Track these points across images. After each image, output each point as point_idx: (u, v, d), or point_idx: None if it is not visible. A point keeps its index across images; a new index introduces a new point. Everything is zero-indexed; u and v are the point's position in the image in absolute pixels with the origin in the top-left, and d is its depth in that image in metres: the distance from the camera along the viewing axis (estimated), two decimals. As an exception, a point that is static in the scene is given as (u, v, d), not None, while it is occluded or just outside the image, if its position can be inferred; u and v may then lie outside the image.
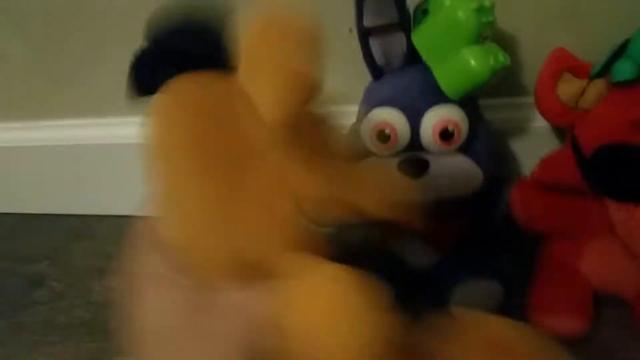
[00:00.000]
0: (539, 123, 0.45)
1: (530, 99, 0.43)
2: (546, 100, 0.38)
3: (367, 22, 0.36)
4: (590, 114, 0.36)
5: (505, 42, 0.42)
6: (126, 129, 0.50)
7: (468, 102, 0.38)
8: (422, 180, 0.37)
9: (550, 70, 0.38)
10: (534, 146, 0.43)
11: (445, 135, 0.37)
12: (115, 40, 0.50)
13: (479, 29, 0.34)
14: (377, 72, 0.40)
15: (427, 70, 0.37)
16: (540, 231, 0.43)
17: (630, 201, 0.34)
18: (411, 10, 0.38)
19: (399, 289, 0.46)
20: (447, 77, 0.36)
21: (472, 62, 0.34)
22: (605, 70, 0.35)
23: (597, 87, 0.36)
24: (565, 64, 0.37)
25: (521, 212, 0.41)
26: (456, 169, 0.38)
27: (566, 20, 0.41)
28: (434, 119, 0.37)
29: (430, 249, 0.43)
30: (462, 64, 0.35)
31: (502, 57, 0.36)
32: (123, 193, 0.47)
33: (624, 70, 0.33)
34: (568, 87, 0.37)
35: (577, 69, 0.37)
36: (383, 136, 0.38)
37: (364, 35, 0.37)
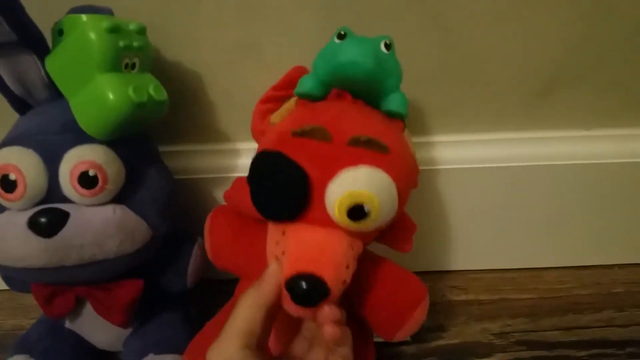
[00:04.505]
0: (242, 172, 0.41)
1: (231, 146, 0.39)
2: (256, 121, 0.33)
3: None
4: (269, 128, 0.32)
5: (193, 85, 0.38)
6: None
7: (131, 142, 0.32)
8: (59, 238, 0.29)
9: (269, 95, 0.34)
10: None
11: (86, 180, 0.30)
12: None
13: (115, 54, 0.29)
14: (17, 104, 0.32)
15: (75, 103, 0.30)
16: (227, 267, 0.36)
17: (273, 218, 0.28)
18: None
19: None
20: (81, 109, 0.29)
21: (107, 92, 0.28)
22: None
23: (290, 103, 0.32)
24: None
25: (208, 241, 0.36)
26: (106, 221, 0.30)
27: (251, 63, 0.38)
28: (72, 160, 0.30)
29: (107, 322, 0.35)
30: (95, 94, 0.29)
31: (152, 90, 0.30)
32: None
33: (304, 83, 0.30)
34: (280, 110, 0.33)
35: None
36: (7, 183, 0.29)
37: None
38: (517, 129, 0.42)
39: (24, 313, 0.45)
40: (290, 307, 0.27)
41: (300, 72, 0.34)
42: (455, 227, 0.45)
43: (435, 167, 0.41)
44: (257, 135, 0.34)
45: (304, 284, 0.26)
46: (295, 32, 0.36)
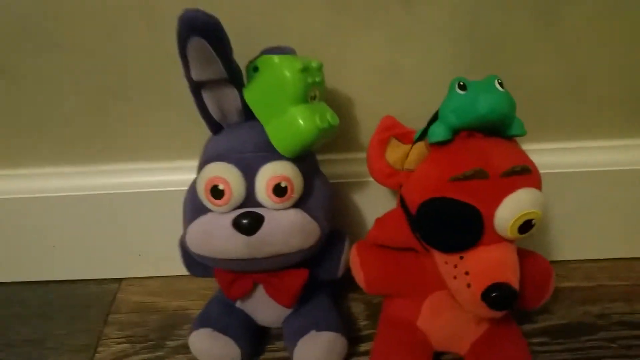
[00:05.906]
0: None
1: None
2: (376, 164, 0.40)
3: (196, 76, 0.35)
4: (413, 174, 0.38)
5: (341, 102, 0.44)
6: None
7: (304, 157, 0.39)
8: (257, 236, 0.37)
9: (379, 138, 0.40)
10: (375, 200, 0.45)
11: (279, 190, 0.37)
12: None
13: (305, 89, 0.35)
14: (214, 126, 0.39)
15: (262, 126, 0.37)
16: (381, 292, 0.43)
17: (453, 252, 0.36)
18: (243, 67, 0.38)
19: (250, 344, 0.45)
20: (276, 134, 0.36)
21: (299, 121, 0.35)
22: (425, 134, 0.37)
23: (419, 150, 0.38)
24: (392, 132, 0.39)
25: (361, 276, 0.42)
26: (292, 223, 0.37)
27: (394, 84, 0.44)
28: (267, 175, 0.37)
29: (275, 303, 0.43)
30: (289, 122, 0.35)
31: (330, 117, 0.37)
32: None
33: (436, 132, 0.35)
34: (394, 152, 0.39)
35: (403, 135, 0.40)
36: (217, 191, 0.37)
37: (195, 88, 0.36)
38: (618, 137, 0.48)
39: (181, 295, 0.53)
40: (487, 314, 0.34)
41: (391, 119, 0.40)
42: (558, 222, 0.51)
43: (551, 171, 0.46)
44: (382, 176, 0.40)
45: (501, 293, 0.33)
46: (433, 56, 0.42)
